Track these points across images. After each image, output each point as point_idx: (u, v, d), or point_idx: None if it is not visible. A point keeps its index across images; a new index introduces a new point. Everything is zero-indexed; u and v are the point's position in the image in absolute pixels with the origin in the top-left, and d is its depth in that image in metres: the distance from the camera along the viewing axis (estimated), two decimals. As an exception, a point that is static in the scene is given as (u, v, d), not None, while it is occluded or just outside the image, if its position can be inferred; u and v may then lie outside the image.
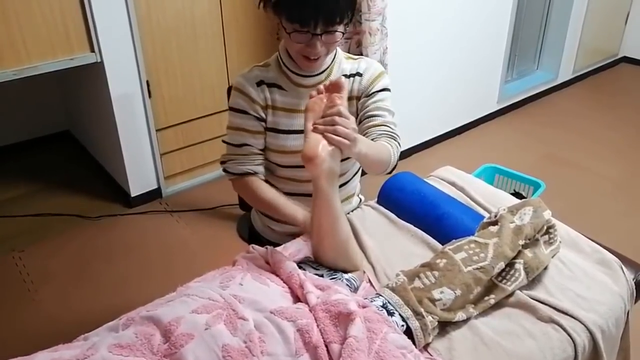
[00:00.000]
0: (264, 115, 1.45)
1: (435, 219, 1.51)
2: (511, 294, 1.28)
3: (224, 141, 1.50)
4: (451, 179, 1.75)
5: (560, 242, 1.42)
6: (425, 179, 1.74)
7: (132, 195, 2.96)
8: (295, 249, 1.45)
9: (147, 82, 2.76)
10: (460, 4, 3.33)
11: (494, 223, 1.37)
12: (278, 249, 1.39)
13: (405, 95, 3.23)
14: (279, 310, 1.09)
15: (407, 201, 1.60)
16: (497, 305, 1.27)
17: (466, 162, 2.57)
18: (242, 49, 3.05)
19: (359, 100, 1.47)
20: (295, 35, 1.29)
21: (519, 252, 1.30)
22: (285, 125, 1.45)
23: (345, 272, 1.30)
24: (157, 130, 2.90)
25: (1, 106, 3.37)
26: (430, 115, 3.55)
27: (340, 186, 1.54)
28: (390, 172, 1.45)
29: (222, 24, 2.91)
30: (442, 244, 1.39)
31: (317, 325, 1.06)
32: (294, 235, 1.54)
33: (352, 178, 1.61)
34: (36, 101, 3.49)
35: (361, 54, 2.67)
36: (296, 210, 1.42)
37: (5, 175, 3.29)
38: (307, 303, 1.13)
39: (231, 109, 1.46)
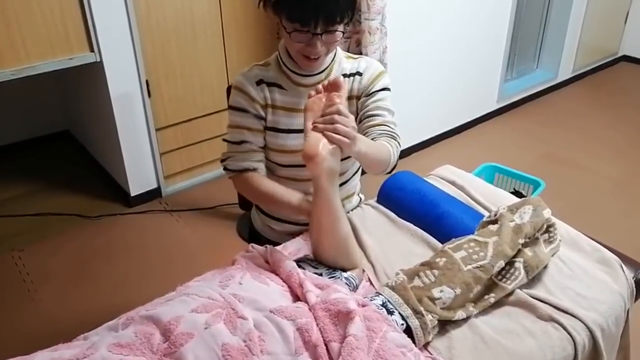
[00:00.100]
0: (263, 114, 1.45)
1: (435, 217, 1.51)
2: (511, 293, 1.28)
3: (224, 139, 1.50)
4: (451, 178, 1.75)
5: (560, 240, 1.42)
6: (425, 178, 1.74)
7: (132, 194, 2.96)
8: (295, 248, 1.45)
9: (147, 81, 2.76)
10: (460, 3, 3.33)
11: (494, 222, 1.37)
12: (278, 248, 1.39)
13: (405, 95, 3.23)
14: (279, 309, 1.09)
15: (407, 200, 1.60)
16: (497, 304, 1.27)
17: (466, 161, 2.57)
18: (242, 48, 3.05)
19: (359, 100, 1.47)
20: (296, 34, 1.29)
21: (519, 250, 1.30)
22: (285, 125, 1.45)
23: (345, 270, 1.30)
24: (156, 130, 2.90)
25: (0, 106, 3.37)
26: (430, 114, 3.55)
27: (340, 185, 1.54)
28: (390, 172, 1.45)
29: (221, 24, 2.91)
30: (442, 243, 1.38)
31: (317, 324, 1.06)
32: (293, 234, 1.54)
33: (352, 177, 1.61)
34: (36, 101, 3.49)
35: (361, 53, 2.66)
36: (292, 195, 1.41)
37: (5, 174, 3.29)
38: (306, 302, 1.13)
39: (231, 107, 1.46)
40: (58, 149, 3.57)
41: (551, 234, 1.40)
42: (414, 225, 1.53)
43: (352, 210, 1.64)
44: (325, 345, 1.04)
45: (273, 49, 1.49)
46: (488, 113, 3.98)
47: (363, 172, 1.68)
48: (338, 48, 1.46)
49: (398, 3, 2.91)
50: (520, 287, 1.30)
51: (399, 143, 1.40)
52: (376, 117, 1.43)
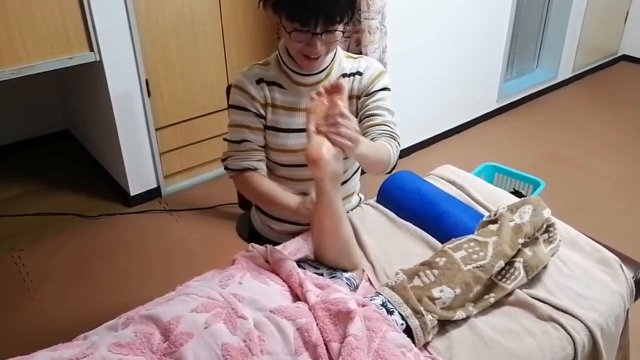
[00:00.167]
0: (263, 113, 1.45)
1: (435, 217, 1.51)
2: (511, 293, 1.28)
3: (224, 139, 1.50)
4: (451, 178, 1.75)
5: (559, 240, 1.42)
6: (424, 178, 1.74)
7: (132, 194, 2.96)
8: (294, 247, 1.45)
9: (147, 81, 2.76)
10: (460, 2, 3.33)
11: (494, 221, 1.37)
12: (277, 247, 1.39)
13: (404, 94, 3.23)
14: (279, 309, 1.09)
15: (406, 200, 1.60)
16: (497, 304, 1.27)
17: (466, 160, 2.57)
18: (242, 48, 3.04)
19: (359, 100, 1.47)
20: (295, 34, 1.29)
21: (519, 250, 1.30)
22: (285, 124, 1.45)
23: (345, 271, 1.30)
24: (156, 130, 2.90)
25: (0, 106, 3.36)
26: (429, 114, 3.55)
27: (340, 185, 1.54)
28: (390, 172, 1.45)
29: (221, 24, 2.91)
30: (442, 243, 1.39)
31: (317, 324, 1.06)
32: (293, 234, 1.54)
33: (351, 177, 1.61)
34: (35, 100, 3.49)
35: (360, 53, 2.66)
36: (290, 198, 1.41)
37: (5, 174, 3.29)
38: (306, 302, 1.13)
39: (231, 106, 1.46)
40: (58, 149, 3.57)
41: (551, 234, 1.40)
42: (414, 225, 1.53)
43: (351, 210, 1.64)
44: (325, 345, 1.04)
45: (273, 48, 1.49)
46: (488, 113, 3.98)
47: (363, 172, 1.67)
48: (338, 48, 1.46)
49: (398, 2, 2.91)
50: (520, 287, 1.30)
51: (398, 143, 1.40)
52: (376, 117, 1.43)
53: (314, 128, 1.17)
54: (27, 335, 2.16)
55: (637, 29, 4.91)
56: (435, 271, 1.22)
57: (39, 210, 2.93)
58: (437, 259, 1.25)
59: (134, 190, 2.96)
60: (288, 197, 1.41)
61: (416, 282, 1.22)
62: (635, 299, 1.43)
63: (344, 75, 1.46)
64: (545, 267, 1.35)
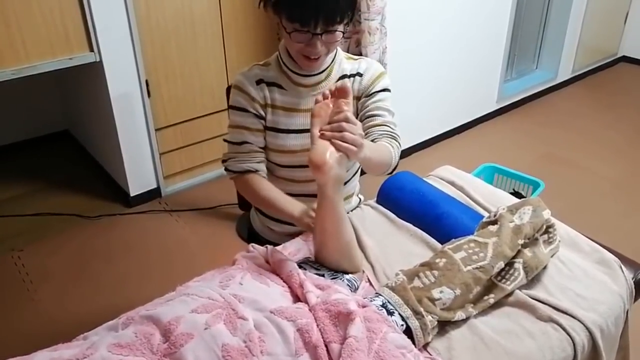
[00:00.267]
0: (263, 114, 1.45)
1: (435, 218, 1.51)
2: (510, 294, 1.28)
3: (225, 140, 1.50)
4: (450, 179, 1.75)
5: (559, 241, 1.42)
6: (424, 179, 1.74)
7: (132, 194, 2.96)
8: (294, 248, 1.45)
9: (147, 81, 2.76)
10: (459, 3, 3.33)
11: (494, 222, 1.37)
12: (277, 248, 1.39)
13: (404, 95, 3.23)
14: (279, 310, 1.09)
15: (406, 200, 1.60)
16: (497, 305, 1.27)
17: (465, 161, 2.57)
18: (242, 48, 3.05)
19: (359, 100, 1.47)
20: (296, 34, 1.29)
21: (519, 251, 1.30)
22: (285, 125, 1.45)
23: (346, 273, 1.30)
24: (156, 130, 2.90)
25: (1, 106, 3.36)
26: (429, 114, 3.55)
27: (341, 186, 1.54)
28: (391, 173, 1.45)
29: (221, 24, 2.91)
30: (442, 244, 1.38)
31: (317, 325, 1.06)
32: (292, 235, 1.54)
33: (351, 178, 1.61)
34: (35, 101, 3.49)
35: (360, 54, 2.67)
36: (294, 206, 1.42)
37: (5, 175, 3.29)
38: (307, 302, 1.13)
39: (231, 107, 1.46)
40: (58, 149, 3.57)
41: (551, 235, 1.40)
42: (414, 225, 1.53)
43: (351, 210, 1.64)
44: (326, 346, 1.04)
45: (273, 49, 1.49)
46: (488, 113, 3.98)
47: (362, 173, 1.68)
48: (338, 48, 1.46)
49: (398, 3, 2.91)
50: (520, 288, 1.30)
51: (399, 143, 1.41)
52: (376, 117, 1.43)
53: (318, 132, 1.17)
54: (27, 336, 2.16)
55: (637, 30, 4.91)
56: (435, 272, 1.22)
57: (39, 210, 2.93)
58: (437, 260, 1.25)
59: (134, 191, 2.96)
60: (292, 205, 1.41)
61: (416, 283, 1.22)
62: (635, 299, 1.43)
63: (344, 76, 1.46)
64: (545, 267, 1.35)
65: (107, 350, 1.00)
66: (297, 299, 1.17)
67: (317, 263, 1.33)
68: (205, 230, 2.80)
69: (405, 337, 1.10)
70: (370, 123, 1.42)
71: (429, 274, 1.22)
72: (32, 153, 3.52)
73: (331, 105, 1.20)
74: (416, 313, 1.16)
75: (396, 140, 1.39)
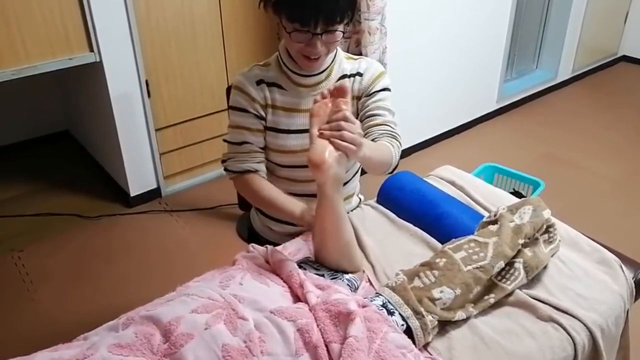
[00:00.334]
0: (263, 114, 1.45)
1: (435, 218, 1.51)
2: (511, 293, 1.28)
3: (224, 140, 1.50)
4: (450, 178, 1.75)
5: (559, 241, 1.42)
6: (424, 178, 1.74)
7: (132, 194, 2.96)
8: (294, 248, 1.45)
9: (147, 81, 2.76)
10: (459, 3, 3.33)
11: (494, 222, 1.37)
12: (278, 248, 1.39)
13: (404, 95, 3.23)
14: (279, 310, 1.09)
15: (406, 200, 1.60)
16: (497, 305, 1.27)
17: (465, 161, 2.57)
18: (242, 48, 3.05)
19: (359, 100, 1.47)
20: (296, 34, 1.29)
21: (519, 251, 1.30)
22: (285, 125, 1.45)
23: (346, 273, 1.30)
24: (156, 130, 2.90)
25: (1, 106, 3.36)
26: (429, 114, 3.55)
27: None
28: (391, 172, 1.45)
29: (221, 24, 2.91)
30: (442, 243, 1.39)
31: (317, 325, 1.06)
32: (293, 235, 1.54)
33: (352, 178, 1.61)
34: (35, 101, 3.49)
35: (360, 54, 2.66)
36: (294, 205, 1.42)
37: (5, 175, 3.29)
38: (307, 302, 1.13)
39: (231, 107, 1.46)
40: (58, 149, 3.57)
41: (551, 234, 1.40)
42: (414, 225, 1.53)
43: (351, 210, 1.64)
44: (326, 346, 1.04)
45: (273, 49, 1.49)
46: (488, 113, 3.98)
47: (363, 173, 1.68)
48: (338, 48, 1.46)
49: (398, 3, 2.91)
50: (520, 288, 1.30)
51: (400, 143, 1.41)
52: (377, 117, 1.43)
53: (316, 132, 1.17)
54: (27, 336, 2.16)
55: (637, 30, 4.91)
56: (436, 272, 1.22)
57: (39, 210, 2.93)
58: (437, 260, 1.25)
59: (134, 191, 2.96)
60: (292, 203, 1.41)
61: (416, 282, 1.22)
62: (635, 299, 1.43)
63: (345, 76, 1.46)
64: (545, 267, 1.35)
65: (108, 350, 1.00)
66: (297, 299, 1.17)
67: (317, 263, 1.33)
68: (205, 231, 2.80)
69: (405, 337, 1.10)
70: (371, 122, 1.42)
71: (429, 273, 1.22)
72: (32, 153, 3.52)
73: (330, 105, 1.20)
74: (416, 313, 1.16)
75: (396, 140, 1.39)
